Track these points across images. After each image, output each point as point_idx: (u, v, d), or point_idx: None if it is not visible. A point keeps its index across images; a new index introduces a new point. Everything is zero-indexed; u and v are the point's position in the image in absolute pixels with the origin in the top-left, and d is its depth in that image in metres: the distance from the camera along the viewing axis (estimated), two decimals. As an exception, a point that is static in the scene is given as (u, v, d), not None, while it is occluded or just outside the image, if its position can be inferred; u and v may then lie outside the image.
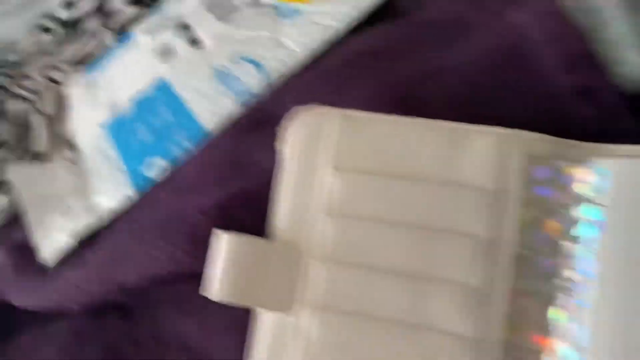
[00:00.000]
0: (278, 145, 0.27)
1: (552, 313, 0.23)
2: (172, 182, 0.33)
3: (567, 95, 0.26)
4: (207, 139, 0.34)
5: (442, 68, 0.30)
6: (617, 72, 0.27)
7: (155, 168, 0.36)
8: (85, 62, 0.51)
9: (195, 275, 0.29)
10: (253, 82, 0.37)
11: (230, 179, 0.30)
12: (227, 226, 0.27)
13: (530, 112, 0.27)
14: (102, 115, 0.43)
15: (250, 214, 0.27)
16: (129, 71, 0.46)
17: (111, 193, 0.36)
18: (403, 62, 0.31)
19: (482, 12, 0.33)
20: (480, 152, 0.24)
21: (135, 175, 0.36)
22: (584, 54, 0.26)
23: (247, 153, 0.31)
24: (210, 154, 0.32)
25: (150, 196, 0.34)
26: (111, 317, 0.32)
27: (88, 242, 0.34)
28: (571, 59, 0.26)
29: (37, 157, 0.45)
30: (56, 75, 0.51)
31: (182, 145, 0.36)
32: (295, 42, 0.37)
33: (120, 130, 0.40)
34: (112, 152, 0.39)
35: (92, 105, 0.45)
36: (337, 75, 0.31)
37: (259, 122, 0.33)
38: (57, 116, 0.49)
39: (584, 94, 0.26)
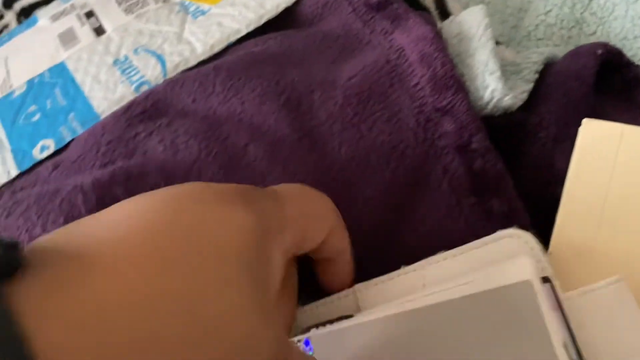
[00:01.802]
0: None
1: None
2: (56, 161, 0.33)
3: (430, 110, 0.29)
4: (97, 122, 0.35)
5: (329, 81, 0.32)
6: (478, 94, 0.30)
7: (43, 149, 0.35)
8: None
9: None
10: (152, 73, 0.37)
11: (112, 159, 0.31)
12: (103, 203, 0.28)
13: (401, 123, 0.30)
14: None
15: (127, 189, 0.28)
16: (29, 53, 0.45)
17: (-9, 169, 0.36)
18: (294, 69, 0.33)
19: (374, 32, 0.35)
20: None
21: (19, 154, 0.36)
22: (448, 76, 0.29)
23: (134, 138, 0.32)
24: (97, 136, 0.32)
25: (34, 175, 0.34)
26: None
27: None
28: (436, 79, 0.29)
29: None
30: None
31: (73, 127, 0.36)
32: (198, 40, 0.39)
33: (9, 109, 0.40)
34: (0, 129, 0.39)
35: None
36: (232, 72, 0.33)
37: (153, 111, 0.33)
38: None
39: (445, 111, 0.29)
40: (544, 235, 0.29)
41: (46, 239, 0.14)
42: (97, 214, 0.16)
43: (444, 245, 0.28)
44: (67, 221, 0.28)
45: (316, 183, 0.29)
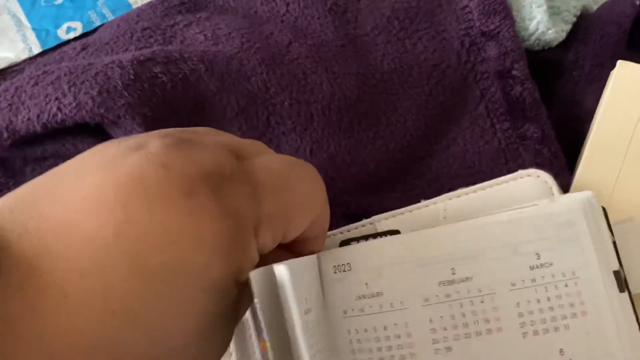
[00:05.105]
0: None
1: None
2: (85, 43, 0.32)
3: (476, 34, 0.30)
4: (131, 10, 0.34)
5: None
6: (524, 25, 0.30)
7: (69, 30, 0.34)
8: None
9: (98, 131, 0.28)
10: (187, -28, 0.36)
11: (148, 45, 0.30)
12: (141, 79, 0.27)
13: (445, 43, 0.30)
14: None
15: (167, 69, 0.27)
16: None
17: (10, 44, 0.34)
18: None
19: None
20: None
21: (42, 33, 0.34)
22: (498, 2, 0.30)
23: (172, 27, 0.31)
24: (131, 22, 0.32)
25: (59, 54, 0.33)
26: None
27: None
28: (486, 3, 0.30)
29: None
30: None
31: (103, 13, 0.35)
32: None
33: (31, -9, 0.38)
34: (18, 9, 0.37)
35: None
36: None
37: (192, 4, 0.33)
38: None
39: (491, 36, 0.29)
40: (569, 168, 0.30)
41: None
42: (52, 194, 0.14)
43: (475, 165, 0.29)
44: (101, 93, 0.27)
45: (357, 89, 0.29)
